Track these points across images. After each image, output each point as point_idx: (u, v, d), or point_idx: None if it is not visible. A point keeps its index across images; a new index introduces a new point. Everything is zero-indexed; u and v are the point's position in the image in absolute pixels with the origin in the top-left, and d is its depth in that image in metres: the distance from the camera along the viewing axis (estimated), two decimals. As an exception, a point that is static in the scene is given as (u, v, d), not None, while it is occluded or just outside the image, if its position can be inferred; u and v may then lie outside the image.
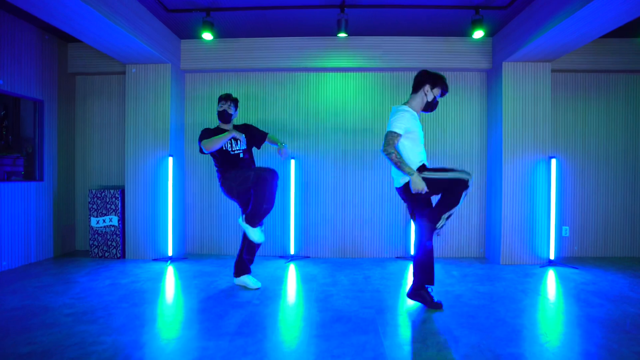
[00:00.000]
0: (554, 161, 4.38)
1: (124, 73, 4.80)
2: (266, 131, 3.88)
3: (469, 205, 4.82)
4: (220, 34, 4.52)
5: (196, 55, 4.76)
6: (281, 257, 4.77)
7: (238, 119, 4.62)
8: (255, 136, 3.60)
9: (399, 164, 2.74)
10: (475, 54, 4.66)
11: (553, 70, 4.62)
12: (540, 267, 4.27)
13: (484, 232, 4.83)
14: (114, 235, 4.56)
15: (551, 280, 3.80)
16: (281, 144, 3.50)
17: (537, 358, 2.16)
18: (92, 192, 4.57)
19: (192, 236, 4.92)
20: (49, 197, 4.57)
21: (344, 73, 4.84)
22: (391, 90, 4.85)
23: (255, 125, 3.85)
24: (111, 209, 4.55)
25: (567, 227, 4.80)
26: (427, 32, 4.58)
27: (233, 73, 4.89)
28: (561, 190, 4.75)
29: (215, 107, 4.85)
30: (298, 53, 4.69)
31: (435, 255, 4.73)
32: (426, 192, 2.76)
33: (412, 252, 4.68)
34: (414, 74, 4.73)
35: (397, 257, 4.76)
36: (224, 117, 3.46)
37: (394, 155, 2.74)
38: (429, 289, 2.91)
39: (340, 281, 3.70)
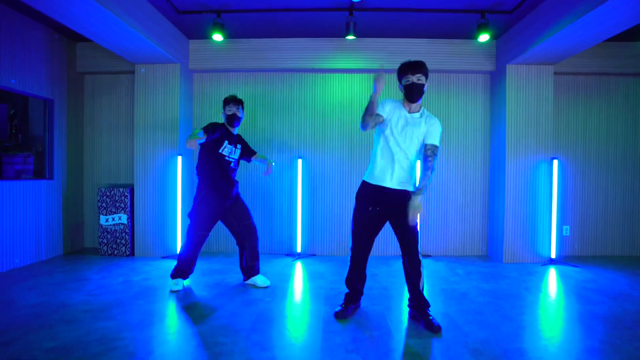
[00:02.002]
0: (555, 162, 4.47)
1: (132, 72, 4.86)
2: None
3: (472, 205, 4.91)
4: (229, 34, 4.57)
5: (204, 55, 4.81)
6: (288, 255, 4.85)
7: (244, 122, 4.68)
8: (246, 149, 3.56)
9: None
10: (479, 57, 4.74)
11: (555, 73, 4.70)
12: (542, 265, 4.37)
13: (487, 231, 4.92)
14: (123, 234, 4.62)
15: (552, 278, 3.89)
16: (270, 161, 3.49)
17: (542, 353, 2.25)
18: (101, 190, 4.63)
19: (199, 234, 4.98)
20: (58, 195, 4.63)
21: (349, 74, 4.91)
22: (396, 91, 4.91)
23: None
24: (120, 207, 4.61)
25: (568, 227, 4.90)
26: (431, 35, 4.65)
27: (241, 73, 4.95)
28: (562, 190, 4.85)
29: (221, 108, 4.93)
30: (306, 54, 4.75)
31: (438, 253, 4.87)
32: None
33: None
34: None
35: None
36: (233, 121, 3.37)
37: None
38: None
39: (348, 279, 3.78)
